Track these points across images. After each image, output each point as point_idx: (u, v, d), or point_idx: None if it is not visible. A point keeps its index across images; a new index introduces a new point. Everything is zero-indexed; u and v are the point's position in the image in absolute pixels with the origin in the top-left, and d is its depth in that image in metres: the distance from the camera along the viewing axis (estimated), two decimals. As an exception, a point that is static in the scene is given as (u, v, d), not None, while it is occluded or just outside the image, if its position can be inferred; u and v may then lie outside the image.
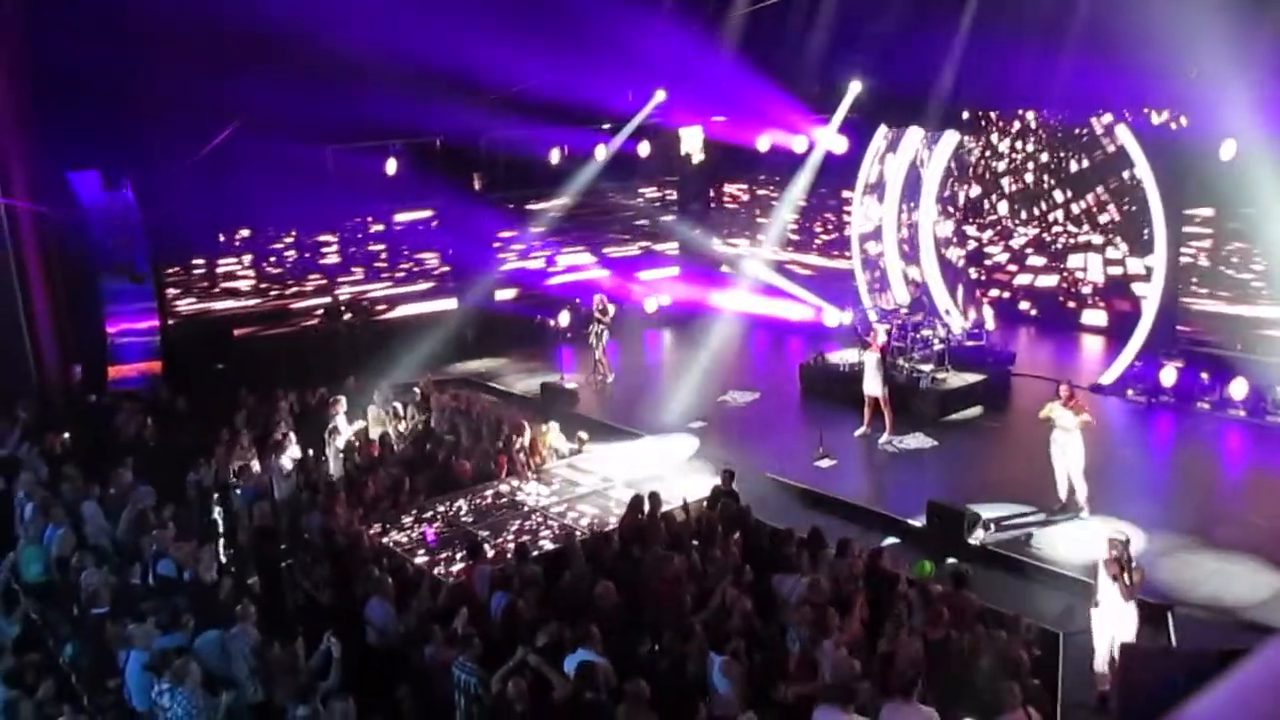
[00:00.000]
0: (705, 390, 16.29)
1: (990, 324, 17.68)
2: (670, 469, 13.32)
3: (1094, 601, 8.32)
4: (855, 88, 18.56)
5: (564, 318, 19.80)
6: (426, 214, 20.34)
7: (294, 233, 19.22)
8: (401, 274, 20.34)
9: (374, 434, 13.72)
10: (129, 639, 7.90)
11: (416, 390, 15.33)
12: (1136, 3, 13.32)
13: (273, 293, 19.21)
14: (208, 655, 7.73)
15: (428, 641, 7.92)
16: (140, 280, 16.49)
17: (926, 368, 15.39)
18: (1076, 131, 17.95)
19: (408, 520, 11.47)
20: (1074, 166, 18.10)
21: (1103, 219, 17.88)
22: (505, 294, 20.93)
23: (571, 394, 16.59)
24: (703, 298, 21.15)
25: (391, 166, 18.93)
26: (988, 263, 19.73)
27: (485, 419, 14.25)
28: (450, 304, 20.46)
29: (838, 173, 19.96)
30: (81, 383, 16.12)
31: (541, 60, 17.04)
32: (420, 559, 10.48)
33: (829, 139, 19.13)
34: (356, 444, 13.33)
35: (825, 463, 13.36)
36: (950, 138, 18.85)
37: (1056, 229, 18.56)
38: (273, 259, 19.18)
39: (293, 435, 12.90)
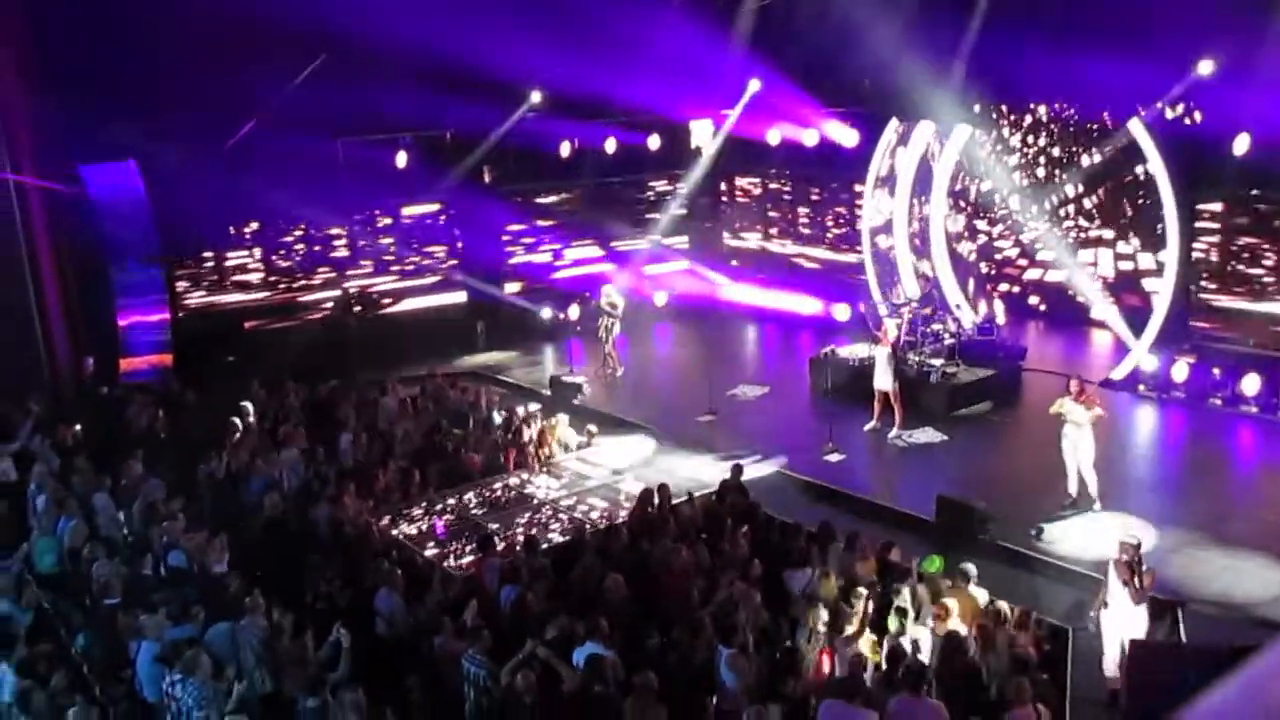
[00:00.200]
0: (715, 384, 16.28)
1: (1001, 319, 17.61)
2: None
3: (1103, 603, 8.25)
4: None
5: (574, 311, 19.80)
6: (435, 207, 20.35)
7: (304, 226, 19.28)
8: (410, 267, 20.40)
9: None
10: (140, 630, 7.95)
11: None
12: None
13: (282, 285, 19.29)
14: (218, 647, 7.77)
15: (437, 633, 7.94)
16: (153, 262, 16.55)
17: (937, 362, 15.33)
18: (1089, 126, 17.84)
19: (417, 513, 11.51)
20: (1085, 161, 17.99)
21: (1113, 214, 17.77)
22: (514, 287, 20.94)
23: (579, 387, 16.59)
24: (712, 291, 21.12)
25: (402, 159, 18.93)
26: (998, 257, 19.64)
27: (494, 411, 14.27)
28: (459, 297, 20.47)
29: (849, 166, 19.91)
30: (93, 375, 16.19)
31: (553, 54, 17.03)
32: (430, 551, 10.51)
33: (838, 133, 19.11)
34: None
35: (834, 456, 13.36)
36: (962, 131, 18.75)
37: (1068, 224, 18.45)
38: (282, 252, 19.24)
39: (302, 429, 12.93)
